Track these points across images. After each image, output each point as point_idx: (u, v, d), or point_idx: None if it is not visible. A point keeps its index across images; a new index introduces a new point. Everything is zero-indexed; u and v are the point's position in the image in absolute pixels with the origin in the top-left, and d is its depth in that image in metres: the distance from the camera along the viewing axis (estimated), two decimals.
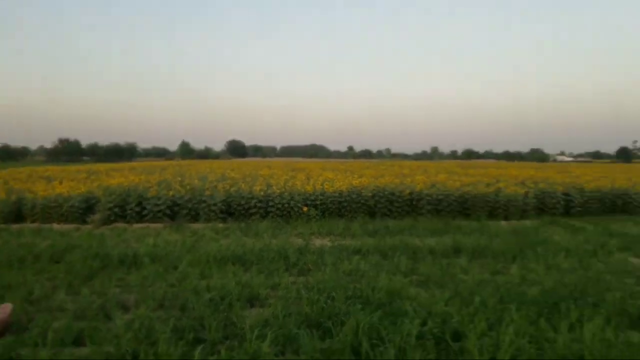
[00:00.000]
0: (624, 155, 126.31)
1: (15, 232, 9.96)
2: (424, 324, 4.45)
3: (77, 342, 4.33)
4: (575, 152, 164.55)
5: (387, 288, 5.59)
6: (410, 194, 13.21)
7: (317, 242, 8.99)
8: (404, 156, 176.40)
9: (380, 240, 8.93)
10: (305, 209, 12.03)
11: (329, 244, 8.73)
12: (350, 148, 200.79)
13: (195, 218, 11.88)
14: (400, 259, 7.32)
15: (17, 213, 11.92)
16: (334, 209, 12.57)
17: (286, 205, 12.05)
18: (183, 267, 6.76)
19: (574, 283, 6.05)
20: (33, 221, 11.69)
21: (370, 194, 12.90)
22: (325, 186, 13.26)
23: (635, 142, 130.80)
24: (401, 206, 13.01)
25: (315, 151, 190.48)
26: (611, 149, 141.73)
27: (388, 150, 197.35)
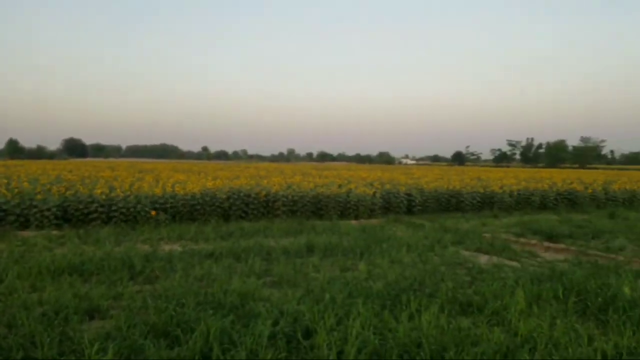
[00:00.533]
0: (459, 158, 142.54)
1: None
2: (275, 323, 4.49)
3: None
4: (418, 155, 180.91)
5: (240, 291, 5.55)
6: (266, 195, 13.34)
7: (167, 247, 8.60)
8: (261, 158, 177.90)
9: (235, 243, 8.85)
10: (153, 213, 11.44)
11: (179, 249, 8.40)
12: (205, 149, 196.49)
13: (25, 225, 10.60)
14: (254, 260, 7.32)
15: None
16: (186, 212, 12.17)
17: (132, 209, 11.34)
18: (10, 280, 5.99)
19: (414, 276, 6.60)
20: None
21: (225, 196, 12.74)
22: (177, 189, 12.77)
23: (467, 147, 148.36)
24: (257, 208, 13.06)
25: (165, 151, 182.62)
26: (448, 153, 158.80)
27: (245, 151, 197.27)
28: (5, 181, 14.40)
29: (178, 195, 12.26)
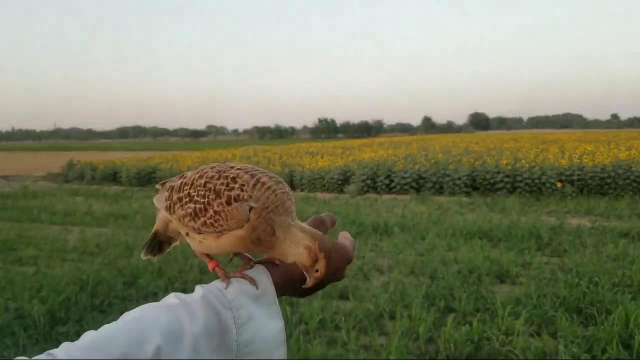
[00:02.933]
0: None
1: None
2: None
3: (342, 296, 4.95)
4: None
5: None
6: None
7: (574, 221, 8.23)
8: None
9: None
10: (559, 185, 11.06)
11: (588, 224, 7.91)
12: (615, 116, 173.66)
13: (439, 191, 12.08)
14: None
15: (290, 183, 13.98)
16: (595, 185, 11.22)
17: (536, 180, 11.27)
18: (430, 238, 7.01)
19: None
20: (302, 190, 13.55)
21: None
22: (584, 160, 11.91)
23: None
24: None
25: (568, 121, 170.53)
26: None
27: None
28: (424, 153, 16.69)
29: (586, 167, 11.43)
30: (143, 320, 0.53)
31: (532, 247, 6.41)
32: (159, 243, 0.71)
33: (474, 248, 6.44)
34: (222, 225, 0.58)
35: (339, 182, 13.13)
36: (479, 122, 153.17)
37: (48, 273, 5.67)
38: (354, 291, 4.90)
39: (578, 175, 11.30)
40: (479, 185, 11.92)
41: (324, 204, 10.69)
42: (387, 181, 12.55)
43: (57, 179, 19.19)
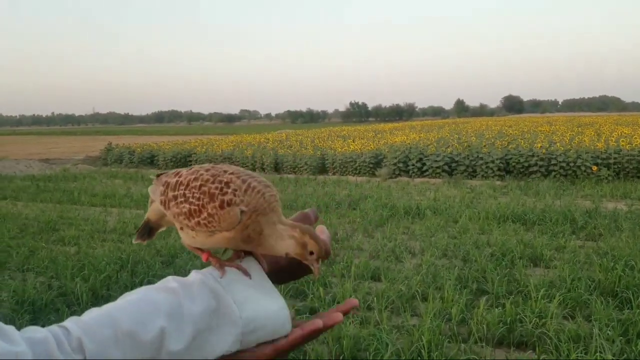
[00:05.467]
0: None
1: (320, 182, 11.84)
2: None
3: (374, 277, 5.03)
4: None
5: None
6: None
7: (610, 205, 8.06)
8: None
9: None
10: (594, 168, 10.80)
11: (624, 208, 7.74)
12: None
13: (472, 175, 11.96)
14: None
15: (322, 166, 14.07)
16: (631, 169, 10.91)
17: (571, 164, 11.03)
18: (463, 221, 7.00)
19: None
20: (334, 173, 13.64)
21: None
22: (621, 143, 11.56)
23: None
24: None
25: (605, 104, 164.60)
26: None
27: None
28: (456, 136, 16.49)
29: (623, 151, 11.11)
30: (146, 300, 0.56)
31: (566, 231, 6.34)
32: (149, 229, 0.76)
33: (507, 231, 6.40)
34: (214, 227, 0.62)
35: (371, 166, 13.13)
36: (513, 104, 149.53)
37: (89, 252, 5.93)
38: (386, 273, 4.97)
39: (615, 158, 11.00)
40: (512, 168, 11.74)
41: (356, 187, 10.74)
42: (419, 164, 12.49)
43: (96, 162, 19.81)
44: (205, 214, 0.62)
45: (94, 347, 0.51)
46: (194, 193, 0.63)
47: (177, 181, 0.66)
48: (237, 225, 0.62)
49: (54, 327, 0.53)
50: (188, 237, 0.67)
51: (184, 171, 0.67)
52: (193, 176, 0.65)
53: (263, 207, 0.62)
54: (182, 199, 0.64)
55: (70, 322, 0.53)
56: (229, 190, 0.62)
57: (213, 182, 0.63)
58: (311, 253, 0.62)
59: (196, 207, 0.63)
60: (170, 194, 0.66)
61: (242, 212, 0.61)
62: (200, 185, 0.63)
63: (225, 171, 0.64)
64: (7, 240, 6.64)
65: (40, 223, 7.80)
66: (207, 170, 0.65)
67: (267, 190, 0.64)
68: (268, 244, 0.63)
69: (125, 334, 0.53)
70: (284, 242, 0.62)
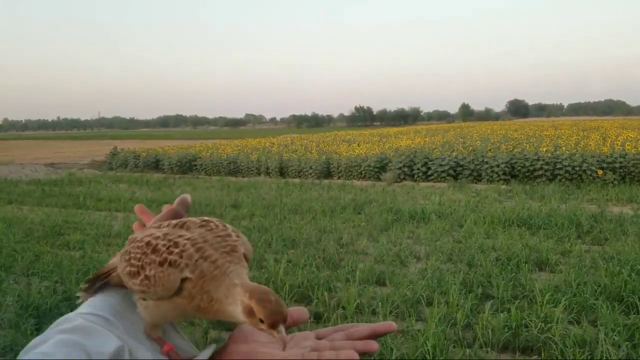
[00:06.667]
0: None
1: (325, 187, 11.84)
2: None
3: (379, 282, 5.01)
4: None
5: None
6: None
7: (615, 209, 8.02)
8: None
9: None
10: (600, 172, 10.76)
11: (630, 212, 7.70)
12: None
13: (477, 179, 11.94)
14: None
15: (327, 170, 14.08)
16: (637, 173, 10.86)
17: (577, 168, 10.99)
18: (468, 225, 6.97)
19: None
20: (338, 177, 13.64)
21: None
22: (627, 147, 11.51)
23: None
24: None
25: (610, 108, 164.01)
26: None
27: None
28: (462, 140, 16.47)
29: (628, 154, 11.06)
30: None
31: (572, 235, 6.31)
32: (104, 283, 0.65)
33: (513, 236, 6.38)
34: (150, 289, 0.56)
35: (376, 170, 13.13)
36: (518, 109, 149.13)
37: (94, 257, 5.94)
38: (390, 277, 4.96)
39: (620, 162, 10.95)
40: (517, 172, 11.70)
41: (360, 191, 10.74)
42: (424, 169, 12.47)
43: (102, 167, 19.89)
44: (142, 275, 0.56)
45: None
46: (141, 249, 0.58)
47: (133, 237, 0.61)
48: (179, 292, 0.55)
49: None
50: (142, 309, 0.60)
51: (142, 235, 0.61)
52: (148, 238, 0.59)
53: (213, 274, 0.54)
54: (127, 256, 0.59)
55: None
56: (176, 251, 0.55)
57: (163, 239, 0.57)
58: (261, 321, 0.52)
59: (136, 267, 0.57)
60: (124, 249, 0.61)
61: (185, 279, 0.54)
62: (149, 242, 0.57)
63: (180, 235, 0.57)
64: (13, 244, 6.67)
65: (46, 227, 7.83)
66: (164, 234, 0.58)
67: (224, 256, 0.56)
68: (224, 312, 0.54)
69: None
70: (237, 308, 0.53)
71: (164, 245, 0.56)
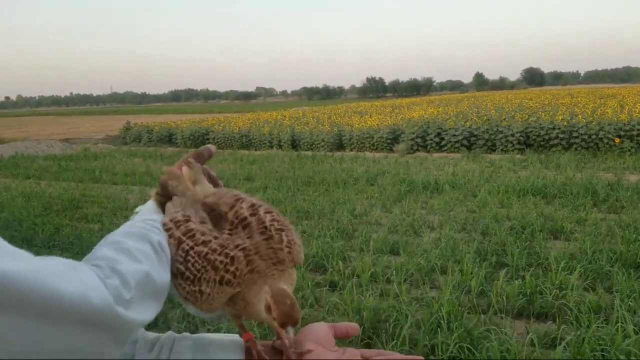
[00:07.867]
0: None
1: (337, 159, 11.83)
2: None
3: (393, 251, 5.05)
4: None
5: None
6: None
7: (632, 177, 7.92)
8: None
9: None
10: (617, 140, 10.59)
11: None
12: None
13: (491, 149, 11.83)
14: None
15: (339, 143, 14.04)
16: None
17: (593, 136, 10.83)
18: (482, 195, 6.95)
19: None
20: (351, 149, 13.60)
21: None
22: None
23: None
24: None
25: (629, 75, 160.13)
26: None
27: None
28: (475, 110, 16.26)
29: None
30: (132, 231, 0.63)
31: (587, 204, 6.26)
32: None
33: (527, 205, 6.35)
34: (197, 302, 0.59)
35: (388, 141, 13.05)
36: (533, 77, 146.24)
37: (112, 229, 5.94)
38: (404, 247, 4.99)
39: (638, 130, 10.75)
40: (532, 142, 11.57)
41: (373, 163, 10.72)
42: (437, 139, 12.38)
43: (116, 141, 20.05)
44: (197, 288, 0.59)
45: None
46: (200, 261, 0.59)
47: (187, 229, 0.62)
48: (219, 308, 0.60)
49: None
50: (186, 306, 0.63)
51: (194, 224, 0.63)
52: (205, 249, 0.60)
53: (254, 281, 0.58)
54: (183, 254, 0.60)
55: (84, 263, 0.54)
56: (231, 269, 0.58)
57: (220, 254, 0.59)
58: (274, 319, 0.56)
59: (193, 275, 0.59)
60: (177, 234, 0.62)
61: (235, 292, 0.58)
62: (206, 256, 0.59)
63: (237, 246, 0.60)
64: (33, 218, 6.81)
65: (64, 201, 7.97)
66: (221, 247, 0.60)
67: (270, 266, 0.60)
68: (252, 310, 0.59)
69: (132, 250, 0.57)
70: (262, 305, 0.57)
71: (221, 262, 0.58)
